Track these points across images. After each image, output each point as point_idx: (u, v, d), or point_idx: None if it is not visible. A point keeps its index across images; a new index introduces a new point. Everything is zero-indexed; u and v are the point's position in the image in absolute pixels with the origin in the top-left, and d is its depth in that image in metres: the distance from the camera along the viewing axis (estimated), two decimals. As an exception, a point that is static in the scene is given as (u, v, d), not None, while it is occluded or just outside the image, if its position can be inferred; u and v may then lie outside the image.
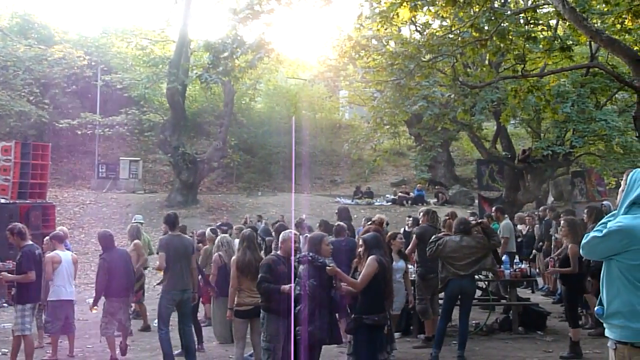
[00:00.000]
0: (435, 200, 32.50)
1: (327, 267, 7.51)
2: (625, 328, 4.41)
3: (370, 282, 7.26)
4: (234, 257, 9.36)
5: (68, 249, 11.93)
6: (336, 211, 15.79)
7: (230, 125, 36.78)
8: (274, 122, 43.19)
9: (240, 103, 41.93)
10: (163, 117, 35.88)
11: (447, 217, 12.04)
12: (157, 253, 11.02)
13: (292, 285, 7.85)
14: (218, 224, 21.96)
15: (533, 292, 16.92)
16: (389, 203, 32.73)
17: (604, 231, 4.57)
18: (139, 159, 37.61)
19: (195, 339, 10.67)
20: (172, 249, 9.72)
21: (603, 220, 4.78)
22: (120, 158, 37.09)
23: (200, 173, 33.37)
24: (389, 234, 10.80)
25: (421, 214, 12.20)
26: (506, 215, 16.69)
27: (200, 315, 13.02)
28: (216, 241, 11.91)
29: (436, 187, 35.04)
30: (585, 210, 11.60)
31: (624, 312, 4.42)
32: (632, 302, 4.41)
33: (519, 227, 18.29)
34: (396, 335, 10.86)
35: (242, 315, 9.06)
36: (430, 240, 10.31)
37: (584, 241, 4.71)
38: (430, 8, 14.77)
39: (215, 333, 12.16)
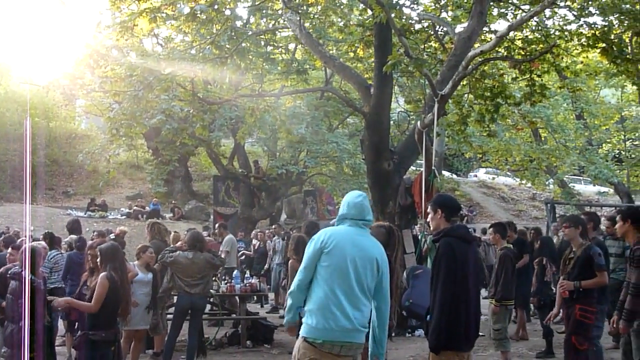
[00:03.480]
0: (171, 214, 32.26)
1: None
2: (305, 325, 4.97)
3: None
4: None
5: None
6: (67, 224, 15.10)
7: (-48, 129, 34.19)
8: (2, 128, 40.48)
9: (-35, 106, 38.97)
10: None
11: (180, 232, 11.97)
12: None
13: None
14: None
15: (262, 306, 17.35)
16: (124, 217, 31.99)
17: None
18: None
19: None
20: None
21: None
22: None
23: None
24: (139, 246, 10.42)
25: (147, 227, 11.98)
26: (228, 231, 17.09)
27: None
28: None
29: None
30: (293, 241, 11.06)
31: (313, 309, 4.92)
32: (321, 300, 4.91)
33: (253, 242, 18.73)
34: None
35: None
36: (162, 253, 10.16)
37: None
38: (172, 22, 14.72)
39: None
